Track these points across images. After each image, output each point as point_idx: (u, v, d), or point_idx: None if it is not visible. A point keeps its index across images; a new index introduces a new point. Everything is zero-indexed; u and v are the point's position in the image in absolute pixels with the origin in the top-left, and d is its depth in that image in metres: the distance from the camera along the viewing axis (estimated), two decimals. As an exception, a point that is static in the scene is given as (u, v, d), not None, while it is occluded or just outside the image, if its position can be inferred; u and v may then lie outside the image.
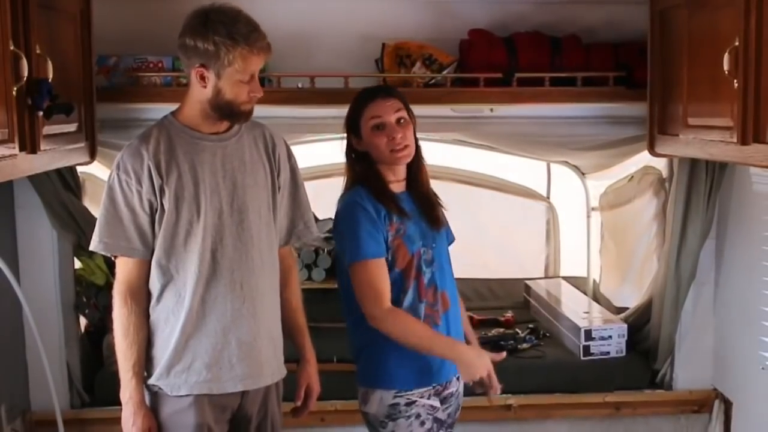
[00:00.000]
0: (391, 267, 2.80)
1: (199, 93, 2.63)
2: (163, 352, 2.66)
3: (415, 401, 2.82)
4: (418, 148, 2.94)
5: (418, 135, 2.96)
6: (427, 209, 2.92)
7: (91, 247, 2.68)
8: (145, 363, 2.68)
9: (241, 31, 2.55)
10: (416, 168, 2.94)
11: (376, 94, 2.91)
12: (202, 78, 2.60)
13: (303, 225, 2.91)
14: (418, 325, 2.80)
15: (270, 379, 2.79)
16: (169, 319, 2.65)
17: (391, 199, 2.84)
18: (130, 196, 2.61)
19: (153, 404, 2.69)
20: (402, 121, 2.86)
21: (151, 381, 2.68)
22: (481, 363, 2.75)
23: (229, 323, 2.66)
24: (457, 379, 2.96)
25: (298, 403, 2.92)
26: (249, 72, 2.60)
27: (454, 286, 2.98)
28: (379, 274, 2.76)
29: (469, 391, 3.04)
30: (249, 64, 2.58)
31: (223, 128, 2.72)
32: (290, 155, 2.90)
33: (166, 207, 2.61)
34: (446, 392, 2.93)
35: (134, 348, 2.63)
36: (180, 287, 2.64)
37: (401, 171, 2.92)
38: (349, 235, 2.80)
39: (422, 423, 2.82)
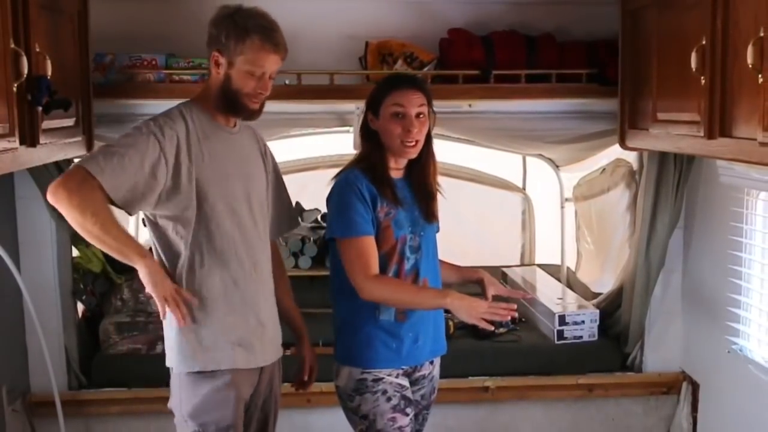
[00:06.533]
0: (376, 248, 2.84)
1: (214, 80, 2.72)
2: (199, 332, 2.70)
3: (383, 378, 2.87)
4: (428, 142, 2.96)
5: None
6: (423, 200, 2.96)
7: None
8: (185, 343, 2.72)
9: (257, 25, 2.66)
10: (422, 160, 2.95)
11: (407, 82, 2.92)
12: (217, 64, 2.68)
13: (288, 218, 3.06)
14: (404, 284, 2.87)
15: (276, 356, 2.92)
16: (209, 298, 2.71)
17: (387, 186, 2.87)
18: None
19: (191, 386, 2.72)
20: (421, 116, 2.86)
21: (188, 361, 2.72)
22: (474, 302, 2.78)
23: (252, 303, 2.77)
24: (431, 363, 3.04)
25: (306, 378, 3.12)
26: (259, 66, 2.66)
27: (437, 275, 3.03)
28: (368, 249, 2.80)
29: (445, 373, 3.16)
30: (259, 57, 2.66)
31: (230, 125, 2.81)
32: (272, 153, 3.03)
33: (194, 188, 2.65)
34: (417, 374, 3.00)
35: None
36: (214, 270, 2.71)
37: (404, 160, 2.94)
38: (340, 213, 2.84)
39: (389, 399, 2.86)
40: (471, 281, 3.17)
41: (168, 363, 2.82)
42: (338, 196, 2.87)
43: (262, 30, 2.66)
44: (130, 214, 2.71)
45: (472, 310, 2.76)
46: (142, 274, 2.60)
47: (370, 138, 2.93)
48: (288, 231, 3.15)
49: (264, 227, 2.88)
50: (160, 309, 2.65)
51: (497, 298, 2.99)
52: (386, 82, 2.96)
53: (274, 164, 3.03)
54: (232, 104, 2.73)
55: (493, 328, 2.80)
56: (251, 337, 2.78)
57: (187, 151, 2.66)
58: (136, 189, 2.58)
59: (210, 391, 2.72)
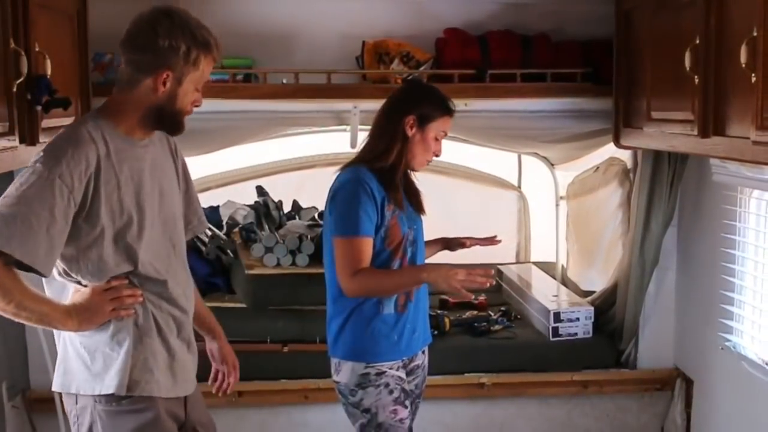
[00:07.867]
0: (383, 245, 2.88)
1: (146, 98, 2.35)
2: (125, 362, 2.39)
3: (385, 372, 2.90)
4: None
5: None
6: (413, 195, 3.03)
7: None
8: (108, 375, 2.40)
9: (207, 37, 2.36)
10: None
11: (453, 113, 3.01)
12: (164, 83, 2.32)
13: (197, 221, 2.77)
14: (379, 272, 2.88)
15: (194, 381, 2.65)
16: (127, 329, 2.42)
17: (397, 190, 2.92)
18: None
19: (111, 421, 2.39)
20: None
21: (122, 392, 2.37)
22: (451, 270, 2.74)
23: (176, 332, 2.52)
24: (423, 352, 3.10)
25: (232, 380, 2.85)
26: (205, 79, 2.41)
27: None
28: (364, 251, 2.83)
29: (435, 370, 3.18)
30: (209, 70, 2.40)
31: (144, 139, 2.47)
32: (181, 153, 2.71)
33: (104, 217, 2.32)
34: (412, 365, 3.05)
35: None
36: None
37: None
38: (346, 209, 2.84)
39: (390, 392, 2.90)
40: (444, 247, 3.25)
41: (68, 389, 2.48)
42: (347, 192, 2.88)
43: (215, 43, 2.38)
44: (47, 276, 2.28)
45: (449, 279, 2.72)
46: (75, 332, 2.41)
47: (401, 141, 2.93)
48: (199, 232, 2.89)
49: (181, 243, 2.60)
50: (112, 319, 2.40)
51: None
52: (444, 105, 2.99)
53: (184, 162, 2.69)
54: (170, 123, 2.43)
55: (472, 297, 2.79)
56: (176, 361, 2.51)
57: (99, 182, 2.30)
58: (54, 246, 2.23)
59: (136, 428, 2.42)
